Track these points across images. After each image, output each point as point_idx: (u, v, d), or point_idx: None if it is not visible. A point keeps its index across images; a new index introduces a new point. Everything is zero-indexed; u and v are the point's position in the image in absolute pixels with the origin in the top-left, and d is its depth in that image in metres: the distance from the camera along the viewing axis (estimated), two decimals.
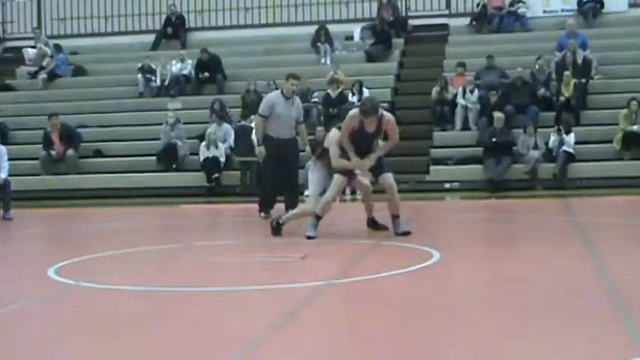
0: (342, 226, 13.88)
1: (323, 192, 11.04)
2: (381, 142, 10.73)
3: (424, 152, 19.90)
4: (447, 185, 18.88)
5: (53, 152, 20.71)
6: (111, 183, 20.31)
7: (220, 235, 12.94)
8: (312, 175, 11.37)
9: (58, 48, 25.00)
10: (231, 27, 25.63)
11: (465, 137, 19.96)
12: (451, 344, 5.34)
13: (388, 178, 10.86)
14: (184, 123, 21.04)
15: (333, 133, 10.69)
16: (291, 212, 11.26)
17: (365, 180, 10.99)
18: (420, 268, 8.15)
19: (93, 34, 26.32)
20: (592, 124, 19.66)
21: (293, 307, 6.42)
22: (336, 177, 10.68)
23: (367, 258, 9.28)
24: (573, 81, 19.88)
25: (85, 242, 12.28)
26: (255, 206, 13.95)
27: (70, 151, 20.70)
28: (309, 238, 10.49)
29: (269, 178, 13.58)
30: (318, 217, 10.72)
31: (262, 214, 13.57)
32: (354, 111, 10.42)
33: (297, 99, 13.56)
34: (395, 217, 10.86)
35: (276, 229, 10.90)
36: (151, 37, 25.52)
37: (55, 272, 8.32)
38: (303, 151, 13.56)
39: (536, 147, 18.76)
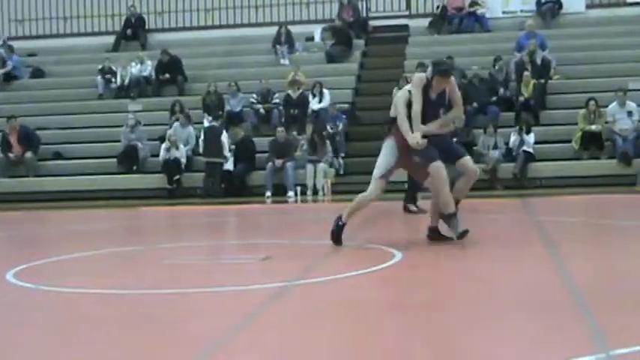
0: (305, 227, 13.89)
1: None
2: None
3: None
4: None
5: (11, 155, 20.54)
6: (71, 185, 20.16)
7: (182, 237, 12.87)
8: (382, 155, 9.81)
9: (11, 49, 24.73)
10: (192, 28, 25.55)
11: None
12: (413, 344, 5.35)
13: (469, 162, 9.76)
14: (145, 124, 20.94)
15: (402, 93, 9.53)
16: (350, 206, 9.85)
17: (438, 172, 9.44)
18: (382, 268, 8.15)
19: (52, 36, 26.13)
20: (551, 124, 19.82)
21: (255, 309, 6.40)
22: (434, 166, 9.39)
23: (329, 259, 9.27)
24: (532, 81, 20.03)
25: (45, 245, 12.17)
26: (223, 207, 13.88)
27: (29, 154, 20.53)
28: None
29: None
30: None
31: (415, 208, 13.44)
32: (420, 75, 9.52)
33: None
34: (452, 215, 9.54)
35: (339, 231, 9.71)
36: (111, 39, 25.36)
37: (14, 276, 8.22)
38: None
39: (496, 147, 18.88)
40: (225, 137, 19.40)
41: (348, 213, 9.70)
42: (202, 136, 19.75)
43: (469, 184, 9.77)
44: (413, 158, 9.44)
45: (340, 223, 9.67)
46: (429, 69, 9.51)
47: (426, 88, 9.29)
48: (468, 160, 9.76)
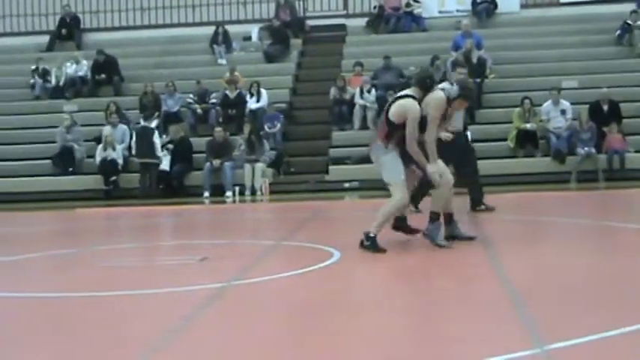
0: (243, 227, 13.87)
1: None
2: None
3: (323, 152, 19.99)
4: (347, 185, 18.99)
5: None
6: (5, 187, 19.85)
7: (119, 239, 12.76)
8: (392, 160, 9.10)
9: None
10: (128, 28, 25.32)
11: (364, 137, 20.01)
12: (351, 342, 5.37)
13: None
14: (81, 125, 20.70)
15: (415, 108, 8.81)
16: (379, 215, 9.13)
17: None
18: (319, 267, 8.17)
19: None
20: (487, 123, 20.00)
21: (192, 310, 6.38)
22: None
23: (267, 259, 9.27)
24: (469, 80, 20.19)
25: None
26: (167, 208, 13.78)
27: None
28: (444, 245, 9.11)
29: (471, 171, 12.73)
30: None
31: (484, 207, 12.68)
32: (441, 94, 8.96)
33: None
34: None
35: (374, 245, 8.95)
36: (45, 38, 25.01)
37: None
38: None
39: None
40: (156, 138, 19.30)
41: (379, 224, 9.03)
42: (134, 137, 19.62)
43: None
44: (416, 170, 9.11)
45: (372, 235, 8.95)
46: (454, 88, 9.17)
47: (446, 110, 9.04)
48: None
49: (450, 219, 9.47)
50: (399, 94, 9.25)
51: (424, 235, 9.20)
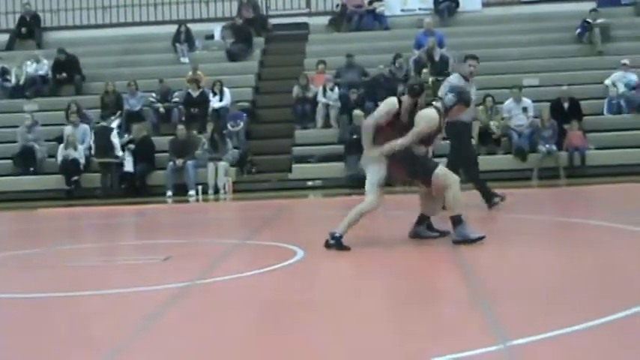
0: (207, 226, 13.84)
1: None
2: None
3: (286, 151, 19.99)
4: (310, 183, 19.00)
5: None
6: None
7: (82, 239, 12.68)
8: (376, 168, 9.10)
9: None
10: (89, 26, 25.12)
11: (327, 135, 20.14)
12: (316, 341, 5.38)
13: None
14: (42, 125, 20.54)
15: (430, 112, 8.97)
16: (348, 217, 9.11)
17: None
18: (283, 266, 8.18)
19: None
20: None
21: (156, 310, 6.36)
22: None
23: (231, 257, 9.26)
24: (431, 78, 20.29)
25: None
26: (116, 208, 13.71)
27: None
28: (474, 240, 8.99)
29: (474, 163, 12.74)
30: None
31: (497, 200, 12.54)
32: (434, 112, 8.99)
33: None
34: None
35: (338, 244, 8.97)
36: (5, 37, 24.76)
37: None
38: None
39: None
40: (115, 137, 19.21)
41: (346, 225, 9.01)
42: (93, 137, 19.52)
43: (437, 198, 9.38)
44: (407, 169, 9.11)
45: (337, 235, 8.93)
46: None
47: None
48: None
49: (423, 220, 9.48)
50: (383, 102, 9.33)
51: (455, 242, 9.00)
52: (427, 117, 8.97)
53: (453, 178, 9.03)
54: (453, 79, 12.16)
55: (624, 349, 4.93)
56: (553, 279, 7.29)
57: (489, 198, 12.58)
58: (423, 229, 9.54)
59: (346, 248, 8.89)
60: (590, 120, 19.61)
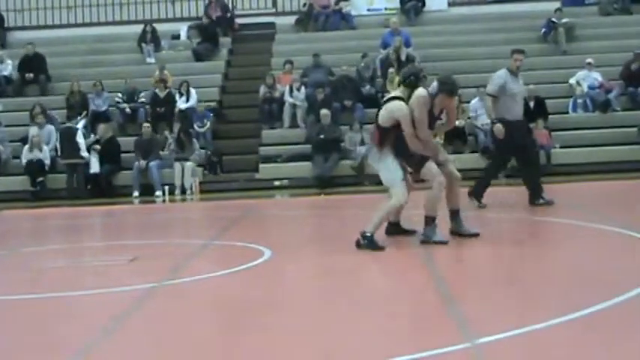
0: (173, 227, 13.80)
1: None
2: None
3: (253, 150, 19.94)
4: (277, 183, 18.96)
5: None
6: None
7: (47, 240, 12.58)
8: (389, 163, 9.07)
9: None
10: (54, 26, 24.90)
11: (294, 135, 20.12)
12: (283, 341, 5.37)
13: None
14: (6, 125, 20.37)
15: (406, 110, 8.92)
16: (377, 215, 9.05)
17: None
18: (251, 266, 8.16)
19: None
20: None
21: (122, 311, 6.32)
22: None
23: (198, 258, 9.22)
24: (397, 78, 20.32)
25: None
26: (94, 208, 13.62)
27: None
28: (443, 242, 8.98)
29: (500, 164, 12.80)
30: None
31: (476, 203, 12.38)
32: (423, 91, 9.00)
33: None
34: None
35: (371, 243, 8.78)
36: None
37: None
38: None
39: (362, 143, 19.08)
40: (80, 137, 19.08)
41: (376, 223, 8.91)
42: (59, 138, 19.39)
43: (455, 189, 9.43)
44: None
45: (368, 235, 8.77)
46: (433, 85, 9.26)
47: (432, 106, 9.10)
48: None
49: (455, 215, 9.40)
50: (386, 97, 9.43)
51: (421, 242, 9.00)
52: (415, 99, 8.93)
53: (437, 180, 9.00)
54: (501, 73, 12.29)
55: (592, 346, 4.97)
56: (520, 277, 7.33)
57: (536, 195, 12.38)
58: (459, 225, 9.39)
59: (380, 248, 8.71)
60: (556, 119, 19.72)
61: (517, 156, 12.60)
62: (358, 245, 8.78)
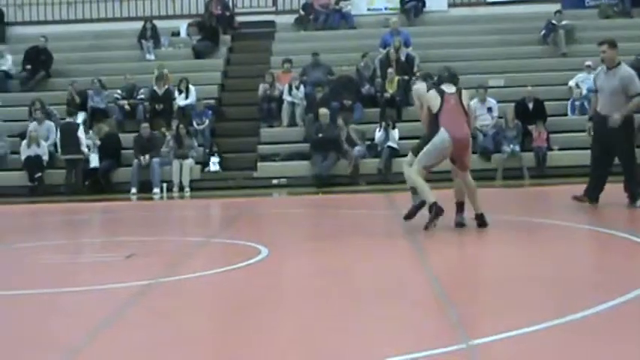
0: (171, 224, 13.80)
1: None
2: None
3: (251, 149, 19.95)
4: (275, 181, 18.98)
5: None
6: None
7: (44, 236, 12.57)
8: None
9: None
10: (54, 22, 24.90)
11: (292, 133, 20.13)
12: (279, 339, 5.37)
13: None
14: (5, 120, 20.36)
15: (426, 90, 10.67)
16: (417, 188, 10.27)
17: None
18: (247, 264, 8.16)
19: None
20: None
21: (117, 308, 6.31)
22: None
23: (195, 256, 9.22)
24: (397, 78, 20.34)
25: None
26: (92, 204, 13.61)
27: None
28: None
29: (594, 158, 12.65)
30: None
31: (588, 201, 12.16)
32: (417, 86, 10.61)
33: (623, 68, 11.94)
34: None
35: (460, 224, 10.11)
36: None
37: None
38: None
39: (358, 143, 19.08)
40: (81, 133, 19.09)
41: (422, 192, 10.04)
42: (59, 134, 19.38)
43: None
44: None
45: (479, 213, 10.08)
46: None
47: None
48: None
49: (460, 208, 10.24)
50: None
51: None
52: (426, 96, 10.58)
53: (408, 170, 10.37)
54: (599, 69, 12.53)
55: (584, 348, 4.97)
56: (514, 279, 7.32)
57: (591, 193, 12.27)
58: (462, 217, 10.23)
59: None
60: (554, 121, 19.73)
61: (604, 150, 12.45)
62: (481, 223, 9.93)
